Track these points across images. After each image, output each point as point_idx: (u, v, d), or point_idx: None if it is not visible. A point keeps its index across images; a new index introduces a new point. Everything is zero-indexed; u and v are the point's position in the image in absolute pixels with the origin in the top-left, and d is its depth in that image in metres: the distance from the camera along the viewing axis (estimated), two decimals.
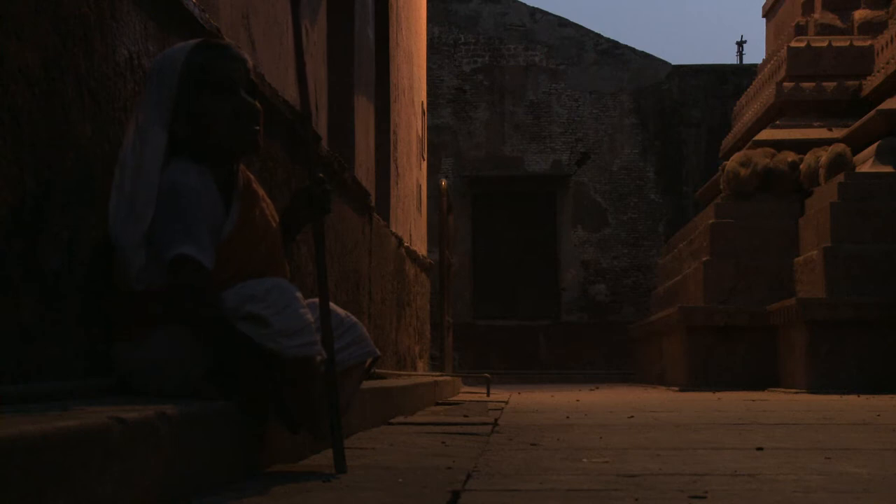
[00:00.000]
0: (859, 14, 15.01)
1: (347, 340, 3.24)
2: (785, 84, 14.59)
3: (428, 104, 14.45)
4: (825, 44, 14.58)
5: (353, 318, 3.36)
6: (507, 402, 8.54)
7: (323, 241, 3.23)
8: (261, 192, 3.21)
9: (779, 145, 14.12)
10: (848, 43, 14.54)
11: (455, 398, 9.55)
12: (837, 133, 13.66)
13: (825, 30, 14.98)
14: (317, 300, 3.17)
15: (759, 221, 13.53)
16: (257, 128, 3.06)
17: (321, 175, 3.24)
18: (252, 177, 3.21)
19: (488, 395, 10.31)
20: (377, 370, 6.72)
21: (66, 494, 1.80)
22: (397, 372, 8.56)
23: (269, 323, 2.80)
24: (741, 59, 25.28)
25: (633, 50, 22.12)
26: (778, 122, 14.68)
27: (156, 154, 2.88)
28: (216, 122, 2.99)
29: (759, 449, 3.85)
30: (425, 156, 12.80)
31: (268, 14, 4.87)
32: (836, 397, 9.23)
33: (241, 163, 3.14)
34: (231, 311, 2.83)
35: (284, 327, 2.82)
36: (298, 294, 2.92)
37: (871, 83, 13.64)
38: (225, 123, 3.00)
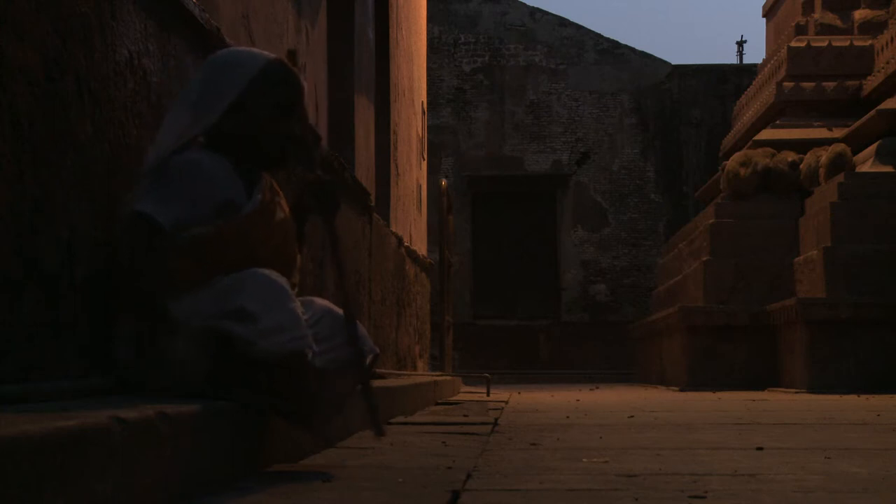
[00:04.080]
0: (859, 14, 15.01)
1: (345, 338, 3.24)
2: (785, 84, 14.59)
3: (428, 104, 14.45)
4: (825, 44, 14.57)
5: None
6: (506, 402, 8.54)
7: (337, 239, 3.30)
8: (276, 187, 3.27)
9: (779, 145, 14.12)
10: (848, 43, 14.53)
11: (455, 398, 9.55)
12: (837, 133, 13.66)
13: (825, 30, 14.98)
14: (313, 298, 3.22)
15: (759, 221, 13.53)
16: (297, 149, 3.22)
17: (328, 178, 3.33)
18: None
19: (488, 394, 10.30)
20: (377, 370, 6.72)
21: (66, 494, 1.80)
22: (397, 372, 8.56)
23: (256, 318, 2.82)
24: (741, 59, 25.29)
25: (633, 50, 22.12)
26: (778, 122, 14.68)
27: (180, 140, 3.00)
28: (267, 142, 3.13)
29: (759, 449, 3.85)
30: (425, 156, 12.80)
31: (268, 14, 4.87)
32: (836, 397, 9.23)
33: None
34: (217, 306, 2.85)
35: (273, 324, 2.83)
36: (289, 289, 2.94)
37: (871, 83, 13.64)
38: (275, 146, 3.14)
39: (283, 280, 2.94)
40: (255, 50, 3.28)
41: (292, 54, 3.34)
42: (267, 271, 2.94)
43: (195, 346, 2.85)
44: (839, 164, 12.44)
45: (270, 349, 2.83)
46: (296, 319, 2.88)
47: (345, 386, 3.28)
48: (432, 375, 9.79)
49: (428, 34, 15.65)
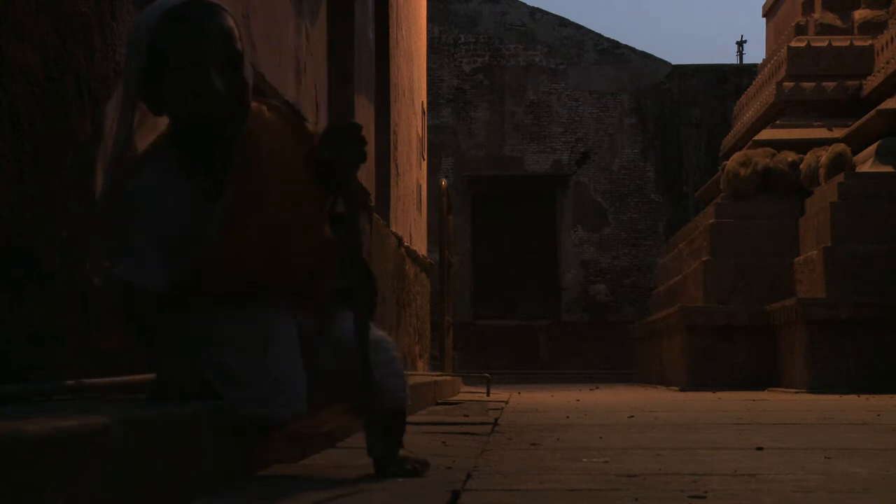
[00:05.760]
0: (859, 14, 15.01)
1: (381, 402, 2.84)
2: (785, 84, 14.59)
3: (428, 104, 14.45)
4: (825, 44, 14.58)
5: (395, 360, 2.90)
6: (506, 402, 8.54)
7: (356, 202, 2.79)
8: (272, 145, 2.69)
9: (779, 145, 14.12)
10: (848, 43, 14.54)
11: (455, 398, 9.54)
12: (837, 133, 13.66)
13: (825, 30, 14.98)
14: (380, 339, 2.84)
15: (759, 221, 13.53)
16: (226, 106, 2.60)
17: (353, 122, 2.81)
18: (272, 123, 2.73)
19: (488, 394, 10.30)
20: None
21: (66, 494, 1.80)
22: None
23: (239, 383, 2.64)
24: (741, 59, 25.30)
25: (633, 50, 22.13)
26: (778, 122, 14.68)
27: (116, 146, 2.58)
28: (178, 106, 2.60)
29: (759, 449, 3.84)
30: (425, 156, 12.80)
31: (268, 14, 4.87)
32: (836, 397, 9.23)
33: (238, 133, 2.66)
34: (203, 351, 2.68)
35: (256, 392, 2.64)
36: (284, 333, 2.70)
37: (871, 83, 13.64)
38: (185, 106, 2.59)
39: (275, 325, 2.67)
40: (152, 14, 2.59)
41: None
42: (259, 316, 2.66)
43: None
44: (839, 164, 12.44)
45: (254, 417, 2.69)
46: (282, 384, 2.64)
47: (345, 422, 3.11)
48: (432, 375, 9.79)
49: (428, 34, 15.66)
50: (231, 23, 2.63)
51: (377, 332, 2.85)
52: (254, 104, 2.73)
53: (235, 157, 2.63)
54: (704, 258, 13.55)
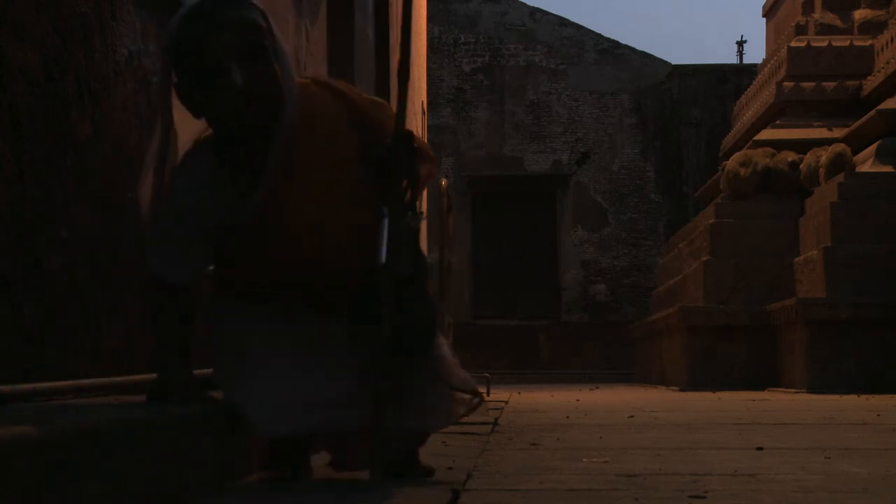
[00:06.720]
0: (859, 14, 15.01)
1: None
2: (785, 84, 14.59)
3: (428, 104, 14.45)
4: (825, 44, 14.58)
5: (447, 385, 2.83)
6: (507, 402, 8.54)
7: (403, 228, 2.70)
8: (324, 131, 2.66)
9: (779, 145, 14.12)
10: (848, 43, 14.54)
11: None
12: (837, 133, 13.66)
13: (825, 30, 14.98)
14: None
15: (759, 221, 13.53)
16: (234, 109, 2.56)
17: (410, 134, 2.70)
18: (330, 108, 2.70)
19: (488, 394, 10.30)
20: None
21: (65, 494, 1.80)
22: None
23: (244, 395, 2.63)
24: (741, 59, 25.28)
25: (633, 50, 22.13)
26: (778, 122, 14.68)
27: (162, 144, 2.59)
28: (206, 109, 2.60)
29: (759, 449, 3.85)
30: None
31: (268, 12, 4.86)
32: (836, 397, 9.23)
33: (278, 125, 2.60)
34: (217, 364, 2.70)
35: (266, 404, 2.61)
36: (292, 346, 2.64)
37: (871, 83, 13.64)
38: (202, 112, 2.61)
39: (277, 335, 2.63)
40: (174, 19, 2.57)
41: None
42: (268, 324, 2.64)
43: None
44: (839, 164, 12.44)
45: (253, 427, 2.67)
46: (284, 401, 2.61)
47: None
48: None
49: (428, 34, 15.66)
50: (254, 15, 2.59)
51: (438, 349, 2.78)
52: (313, 87, 2.71)
53: (270, 158, 2.59)
54: (704, 258, 13.55)
